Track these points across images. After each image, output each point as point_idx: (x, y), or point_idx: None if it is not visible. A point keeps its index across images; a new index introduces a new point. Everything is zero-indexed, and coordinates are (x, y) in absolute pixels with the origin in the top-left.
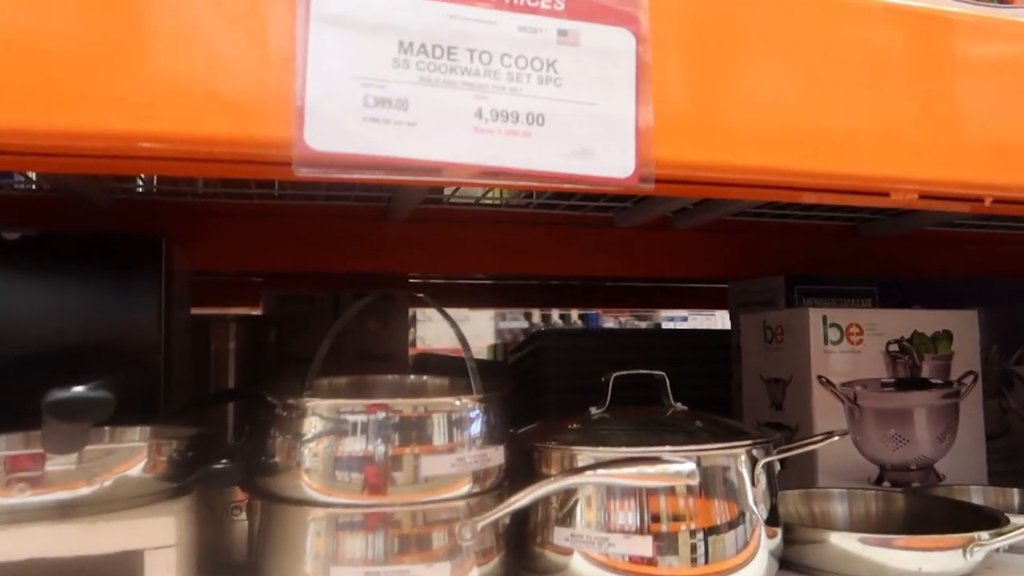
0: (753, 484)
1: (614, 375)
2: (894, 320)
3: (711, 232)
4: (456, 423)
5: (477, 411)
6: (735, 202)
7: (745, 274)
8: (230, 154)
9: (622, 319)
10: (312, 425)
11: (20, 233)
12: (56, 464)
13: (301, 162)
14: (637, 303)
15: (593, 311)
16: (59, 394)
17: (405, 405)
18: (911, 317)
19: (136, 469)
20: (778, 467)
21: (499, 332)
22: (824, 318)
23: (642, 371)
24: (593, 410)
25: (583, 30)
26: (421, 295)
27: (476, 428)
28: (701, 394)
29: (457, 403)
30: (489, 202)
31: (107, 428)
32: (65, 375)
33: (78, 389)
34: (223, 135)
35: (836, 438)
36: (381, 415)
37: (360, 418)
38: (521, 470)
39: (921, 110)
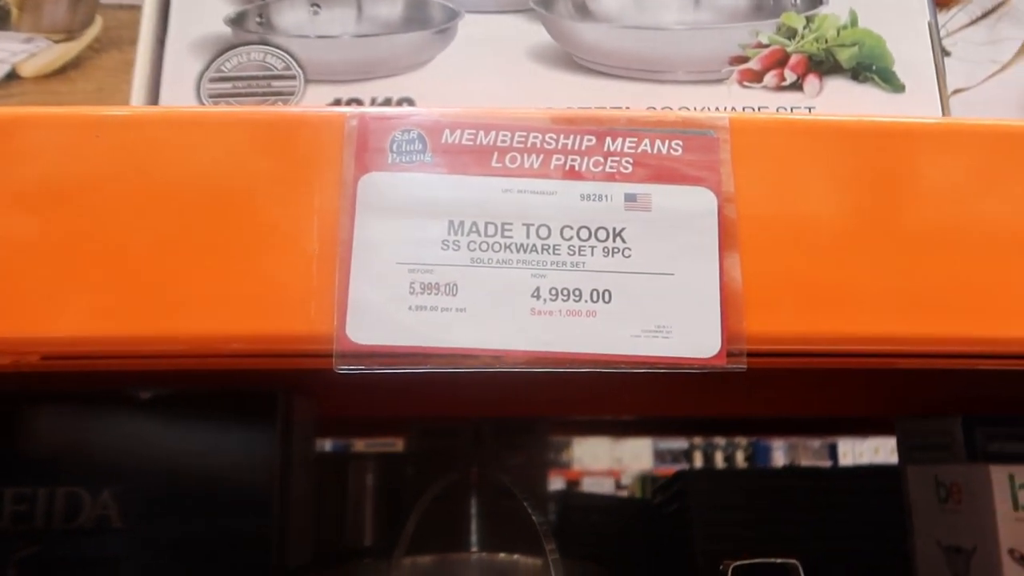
0: None
1: (732, 565)
2: None
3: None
4: None
5: None
6: None
7: (913, 410)
8: (271, 350)
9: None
10: None
11: (153, 392)
12: None
13: (342, 356)
14: (804, 430)
15: (759, 438)
16: None
17: None
18: None
19: None
20: None
21: (658, 453)
22: (1011, 478)
23: (769, 559)
24: None
25: (655, 192)
26: (507, 481)
27: None
28: (874, 547)
29: None
30: None
31: None
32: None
33: None
34: (264, 333)
35: None
36: None
37: None
38: None
39: None
